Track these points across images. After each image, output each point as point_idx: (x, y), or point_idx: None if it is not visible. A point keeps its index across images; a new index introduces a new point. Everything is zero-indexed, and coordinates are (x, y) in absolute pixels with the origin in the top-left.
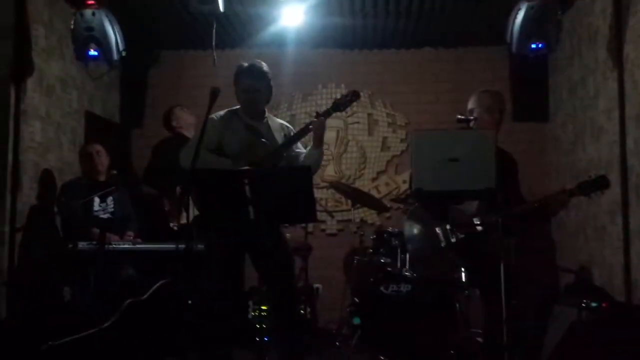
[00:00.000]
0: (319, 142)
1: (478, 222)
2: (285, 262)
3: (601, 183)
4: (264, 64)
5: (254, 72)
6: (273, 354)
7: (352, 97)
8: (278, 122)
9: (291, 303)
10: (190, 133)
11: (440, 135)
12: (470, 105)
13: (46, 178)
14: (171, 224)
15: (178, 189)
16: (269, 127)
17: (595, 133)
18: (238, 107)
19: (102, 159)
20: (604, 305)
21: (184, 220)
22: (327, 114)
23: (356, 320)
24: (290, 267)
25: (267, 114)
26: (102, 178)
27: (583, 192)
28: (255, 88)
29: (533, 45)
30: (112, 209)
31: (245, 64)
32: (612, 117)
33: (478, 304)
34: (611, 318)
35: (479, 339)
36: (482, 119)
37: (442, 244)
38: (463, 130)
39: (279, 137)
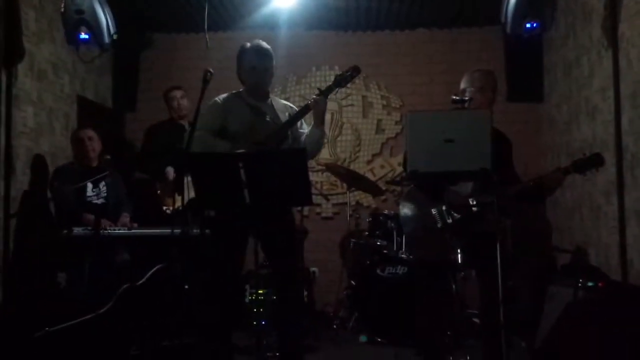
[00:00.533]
0: (319, 121)
1: (473, 203)
2: (287, 245)
3: (596, 160)
4: (265, 43)
5: (261, 50)
6: (270, 337)
7: (352, 72)
8: (282, 103)
9: (292, 287)
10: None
11: (435, 116)
12: (463, 85)
13: (39, 163)
14: (164, 208)
15: (169, 171)
16: (272, 107)
17: (590, 112)
18: (241, 89)
19: (94, 145)
20: (600, 284)
21: (177, 204)
22: (329, 90)
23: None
24: (292, 250)
25: (270, 94)
26: (94, 163)
27: (578, 170)
28: (264, 67)
29: (528, 25)
30: (105, 194)
31: (249, 44)
32: (607, 97)
33: (474, 285)
34: (607, 297)
35: (475, 320)
36: (475, 99)
37: (438, 225)
38: (458, 111)
39: (283, 118)
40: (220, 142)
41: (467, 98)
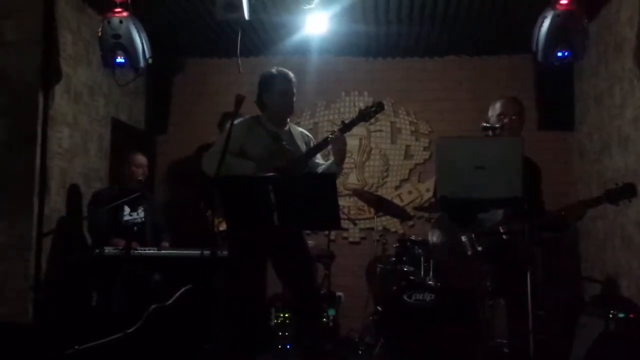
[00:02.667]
0: (340, 160)
1: (504, 231)
2: (308, 267)
3: (628, 190)
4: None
5: (290, 77)
6: None
7: (377, 108)
8: (299, 130)
9: (314, 308)
10: None
11: (466, 143)
12: (496, 111)
13: (73, 184)
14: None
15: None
16: (291, 134)
17: (622, 142)
18: (260, 114)
19: (142, 172)
20: (631, 316)
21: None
22: (352, 124)
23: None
24: (313, 272)
25: (288, 121)
26: (135, 186)
27: (610, 200)
28: (293, 91)
29: (559, 54)
30: (143, 219)
31: (275, 70)
32: (639, 127)
33: (503, 314)
34: (639, 329)
35: (505, 350)
36: (506, 126)
37: (469, 252)
38: (489, 137)
39: (301, 145)
40: (246, 162)
41: (498, 125)
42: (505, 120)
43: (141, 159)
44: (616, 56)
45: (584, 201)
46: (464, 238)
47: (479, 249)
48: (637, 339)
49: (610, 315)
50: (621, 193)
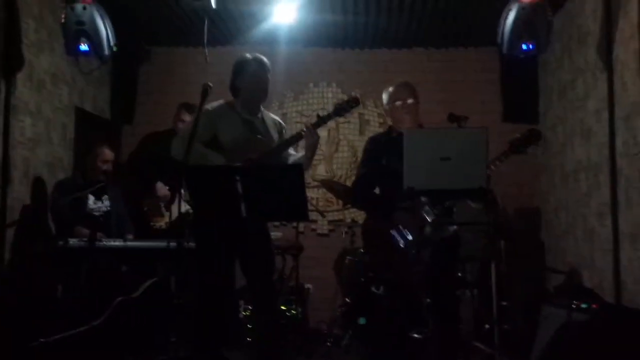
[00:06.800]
0: (311, 154)
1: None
2: (269, 261)
3: (533, 135)
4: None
5: (264, 63)
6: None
7: (352, 102)
8: (271, 117)
9: (271, 302)
10: None
11: (432, 134)
12: (383, 99)
13: (36, 174)
14: (151, 223)
15: (159, 187)
16: (264, 122)
17: (584, 134)
18: (232, 99)
19: (107, 167)
20: (594, 306)
21: (165, 220)
22: (328, 117)
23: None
24: (272, 267)
25: (262, 108)
26: (99, 177)
27: (516, 150)
28: (267, 77)
29: (524, 46)
30: (108, 208)
31: (249, 55)
32: (602, 119)
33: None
34: (601, 319)
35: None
36: (394, 109)
37: (401, 244)
38: (454, 129)
39: (274, 133)
40: (214, 154)
41: (464, 116)
42: (398, 104)
43: (108, 154)
44: (580, 49)
45: (492, 160)
46: (392, 232)
47: (409, 238)
48: (599, 329)
49: (573, 306)
50: (527, 139)
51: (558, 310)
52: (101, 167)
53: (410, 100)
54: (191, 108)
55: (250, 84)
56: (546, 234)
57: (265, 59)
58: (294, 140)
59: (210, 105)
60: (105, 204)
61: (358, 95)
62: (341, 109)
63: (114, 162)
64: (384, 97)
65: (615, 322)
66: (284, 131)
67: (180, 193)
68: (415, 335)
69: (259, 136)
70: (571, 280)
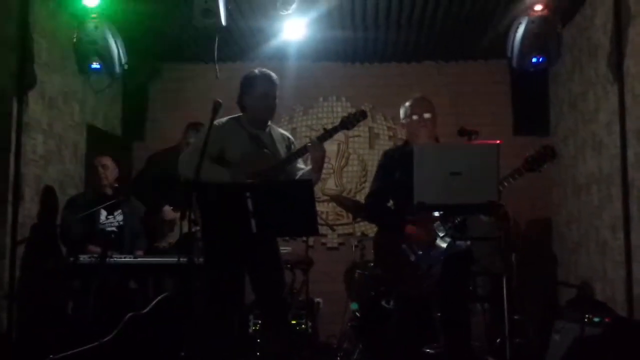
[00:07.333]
0: (318, 168)
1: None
2: (279, 277)
3: (547, 154)
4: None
5: (272, 78)
6: None
7: (359, 116)
8: (279, 132)
9: (282, 317)
10: None
11: (443, 149)
12: (401, 114)
13: (47, 191)
14: (155, 244)
15: (166, 210)
16: (271, 137)
17: (596, 147)
18: (240, 115)
19: (108, 173)
20: (606, 320)
21: (169, 241)
22: (334, 131)
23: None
24: (282, 282)
25: (269, 123)
26: (109, 191)
27: (530, 168)
28: (274, 94)
29: (534, 59)
30: (121, 223)
31: (257, 70)
32: (613, 131)
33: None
34: (614, 333)
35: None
36: (411, 123)
37: (411, 258)
38: (465, 144)
39: (281, 148)
40: (220, 170)
41: (474, 130)
42: (414, 118)
43: (104, 159)
44: (590, 61)
45: (505, 177)
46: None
47: (420, 253)
48: (612, 343)
49: (586, 320)
50: (541, 157)
51: (570, 324)
52: (103, 174)
53: (427, 115)
54: (198, 129)
55: (257, 100)
56: (558, 246)
57: (273, 74)
58: (299, 153)
59: (218, 121)
60: (117, 219)
61: (365, 109)
62: (348, 122)
63: (126, 178)
64: (401, 111)
65: (628, 336)
66: (292, 146)
67: (190, 213)
68: (427, 350)
69: (265, 150)
70: (584, 294)
